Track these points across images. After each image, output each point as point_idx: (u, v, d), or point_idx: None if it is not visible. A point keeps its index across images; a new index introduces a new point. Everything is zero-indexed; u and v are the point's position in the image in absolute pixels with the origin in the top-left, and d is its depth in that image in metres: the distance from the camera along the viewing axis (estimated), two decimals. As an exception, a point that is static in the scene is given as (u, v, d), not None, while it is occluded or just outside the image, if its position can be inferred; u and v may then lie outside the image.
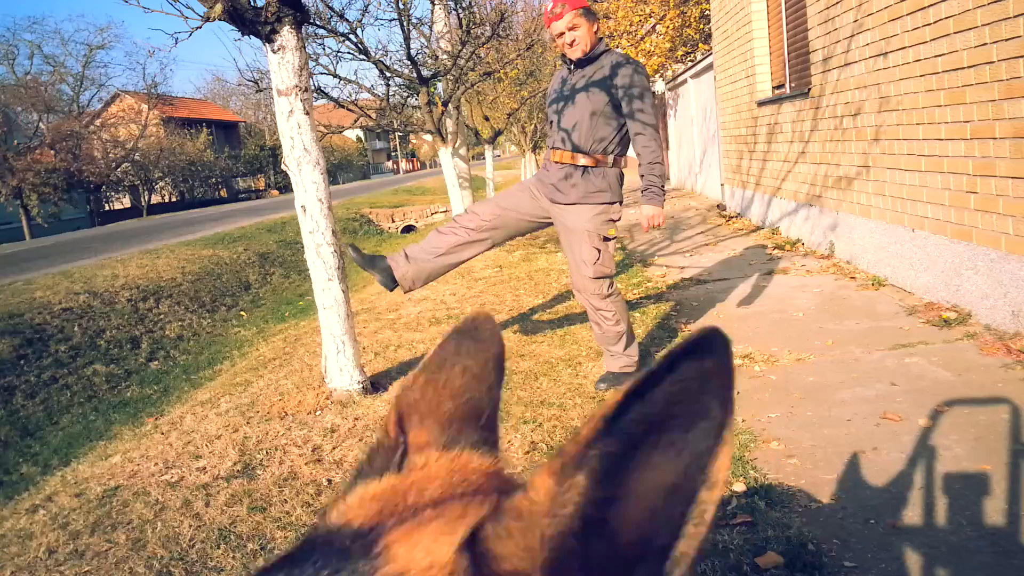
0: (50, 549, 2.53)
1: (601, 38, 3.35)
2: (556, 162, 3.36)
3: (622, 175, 3.38)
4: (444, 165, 8.54)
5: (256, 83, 7.89)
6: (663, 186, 3.25)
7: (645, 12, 14.51)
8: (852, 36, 5.00)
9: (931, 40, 3.95)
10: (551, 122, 3.45)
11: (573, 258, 3.40)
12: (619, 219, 3.40)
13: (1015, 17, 3.22)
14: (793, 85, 6.70)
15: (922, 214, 4.26)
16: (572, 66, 3.37)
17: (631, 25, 14.60)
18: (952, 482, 2.27)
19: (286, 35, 3.35)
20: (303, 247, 3.67)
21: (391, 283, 3.55)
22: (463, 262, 3.66)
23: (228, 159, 38.83)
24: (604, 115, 3.24)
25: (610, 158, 3.29)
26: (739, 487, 2.38)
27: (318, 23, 7.17)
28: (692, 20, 13.67)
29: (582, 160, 3.28)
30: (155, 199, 34.29)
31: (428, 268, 3.56)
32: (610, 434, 0.29)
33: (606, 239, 3.33)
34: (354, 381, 3.73)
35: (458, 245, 3.53)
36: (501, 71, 9.24)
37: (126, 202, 34.79)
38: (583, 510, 0.30)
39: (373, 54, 7.67)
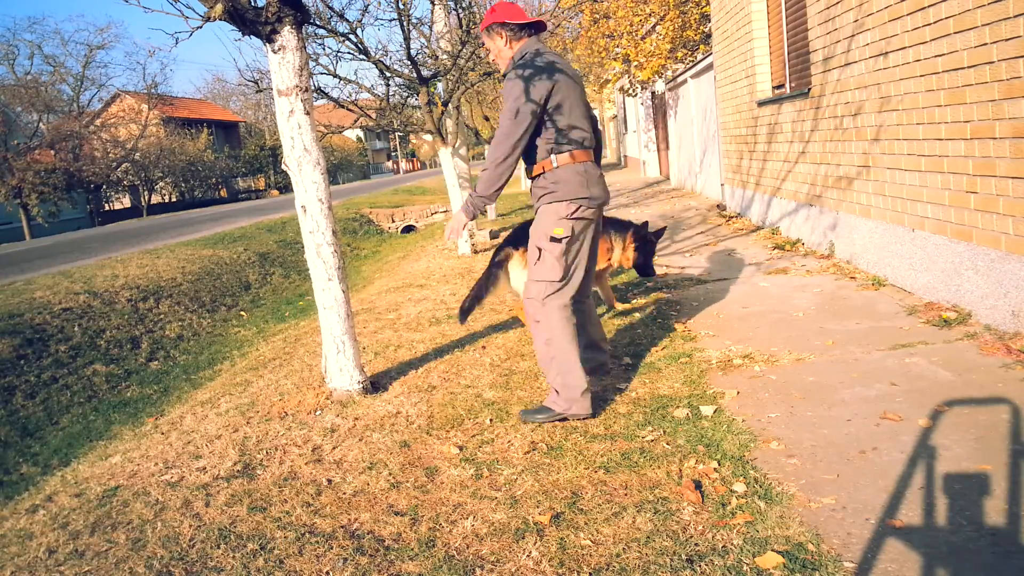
0: (50, 549, 2.53)
1: (528, 50, 3.10)
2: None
3: (574, 170, 3.07)
4: (444, 165, 8.54)
5: (256, 83, 7.89)
6: (474, 205, 3.12)
7: (645, 12, 14.50)
8: (852, 36, 5.00)
9: (931, 40, 3.95)
10: None
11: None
12: (574, 216, 3.07)
13: (1015, 17, 3.22)
14: (793, 85, 6.70)
15: (922, 214, 4.26)
16: None
17: (631, 25, 14.60)
18: (952, 482, 2.27)
19: (286, 35, 3.35)
20: (303, 247, 3.68)
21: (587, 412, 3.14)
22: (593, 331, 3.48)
23: (228, 159, 38.85)
24: None
25: (551, 159, 3.06)
26: (739, 487, 2.38)
27: (318, 23, 7.18)
28: (693, 21, 13.66)
29: (532, 171, 3.16)
30: (155, 199, 34.30)
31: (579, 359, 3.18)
32: None
33: (553, 239, 3.06)
34: (354, 381, 3.73)
35: (576, 325, 3.19)
36: (501, 71, 9.23)
37: (126, 202, 34.81)
38: None
39: (373, 54, 7.68)
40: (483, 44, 7.96)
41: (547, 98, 2.99)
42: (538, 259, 3.10)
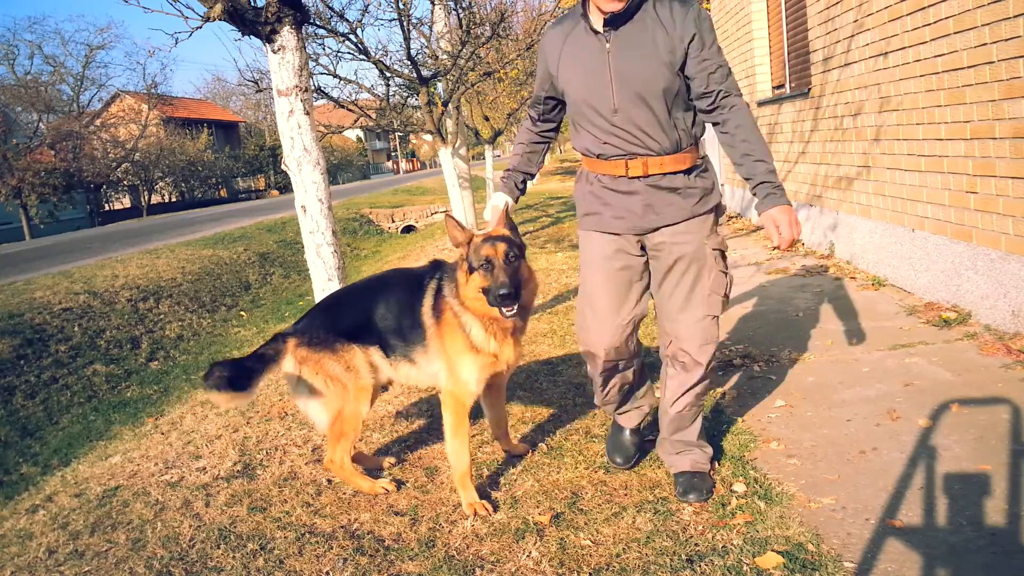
0: (50, 549, 2.53)
1: None
2: (631, 176, 2.27)
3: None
4: (444, 165, 8.54)
5: (256, 83, 7.88)
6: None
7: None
8: (852, 36, 5.00)
9: (931, 40, 3.95)
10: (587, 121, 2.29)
11: (686, 296, 2.32)
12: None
13: (1015, 17, 3.22)
14: (793, 85, 6.70)
15: (922, 214, 4.26)
16: (602, 26, 2.16)
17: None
18: (952, 482, 2.27)
19: (286, 35, 3.35)
20: (303, 247, 3.67)
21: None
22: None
23: (228, 159, 38.82)
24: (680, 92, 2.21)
25: (697, 150, 2.33)
26: (739, 487, 2.38)
27: (318, 23, 7.17)
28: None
29: (672, 165, 2.26)
30: (155, 199, 34.28)
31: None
32: None
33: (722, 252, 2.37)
34: (354, 381, 3.72)
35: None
36: (501, 71, 9.23)
37: (126, 202, 34.79)
38: None
39: (373, 54, 7.67)
40: (483, 44, 7.96)
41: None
42: (712, 282, 2.31)
